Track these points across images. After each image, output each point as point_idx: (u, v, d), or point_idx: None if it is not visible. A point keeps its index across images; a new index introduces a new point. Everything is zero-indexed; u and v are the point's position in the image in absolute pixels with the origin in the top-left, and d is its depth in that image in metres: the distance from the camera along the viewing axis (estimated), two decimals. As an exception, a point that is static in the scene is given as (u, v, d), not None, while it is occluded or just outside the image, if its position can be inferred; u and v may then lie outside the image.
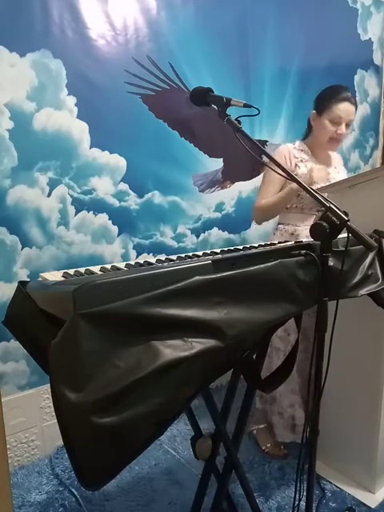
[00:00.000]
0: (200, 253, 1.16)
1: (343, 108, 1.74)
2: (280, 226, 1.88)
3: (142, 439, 0.73)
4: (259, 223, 1.94)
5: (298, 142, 1.88)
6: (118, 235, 2.00)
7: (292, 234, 1.82)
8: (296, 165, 1.80)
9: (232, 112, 1.15)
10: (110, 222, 1.96)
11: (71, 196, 1.84)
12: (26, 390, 1.85)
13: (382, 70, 3.09)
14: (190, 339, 0.76)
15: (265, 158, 1.15)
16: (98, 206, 1.92)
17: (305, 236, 1.73)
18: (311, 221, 1.79)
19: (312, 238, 0.98)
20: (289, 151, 1.81)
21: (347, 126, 1.78)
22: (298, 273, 0.96)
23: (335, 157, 1.99)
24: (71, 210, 1.85)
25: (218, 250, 1.16)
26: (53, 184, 1.79)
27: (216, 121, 1.20)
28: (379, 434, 1.59)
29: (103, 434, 0.68)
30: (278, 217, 1.91)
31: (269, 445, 1.87)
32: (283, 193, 1.73)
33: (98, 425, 0.67)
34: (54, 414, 0.72)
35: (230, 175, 2.34)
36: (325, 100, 1.78)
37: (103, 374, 0.68)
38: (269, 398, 1.85)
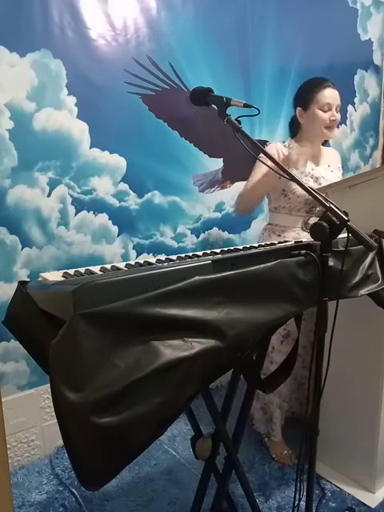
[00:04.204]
0: (200, 253, 1.15)
1: (328, 94, 1.74)
2: (269, 225, 1.88)
3: (142, 439, 0.73)
4: (239, 212, 1.93)
5: (289, 140, 1.86)
6: (118, 235, 2.00)
7: (279, 235, 1.81)
8: None
9: (232, 112, 1.15)
10: (110, 222, 1.96)
11: (71, 196, 1.84)
12: (26, 389, 1.85)
13: (381, 70, 3.09)
14: (189, 339, 0.76)
15: (265, 159, 1.14)
16: (98, 206, 1.92)
17: (292, 238, 1.68)
18: (299, 223, 1.77)
19: (312, 237, 0.98)
20: (277, 149, 1.75)
21: (337, 111, 1.78)
22: (298, 273, 0.96)
23: (332, 155, 1.96)
24: (71, 210, 1.85)
25: (218, 250, 1.16)
26: (53, 184, 1.79)
27: (216, 121, 1.20)
28: (379, 434, 1.59)
29: (103, 434, 0.68)
30: (269, 216, 1.90)
31: (278, 453, 1.84)
32: (260, 176, 1.72)
33: (98, 425, 0.67)
34: (53, 413, 0.72)
35: (230, 175, 2.34)
36: (306, 93, 1.78)
37: (103, 374, 0.68)
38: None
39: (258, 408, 1.89)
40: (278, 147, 1.76)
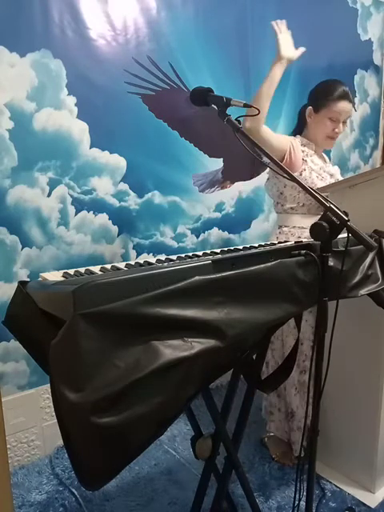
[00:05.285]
0: (200, 253, 1.16)
1: (342, 107, 1.72)
2: (284, 228, 1.78)
3: (142, 439, 0.73)
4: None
5: (299, 137, 1.81)
6: (118, 235, 2.00)
7: (299, 237, 1.72)
8: (303, 159, 1.74)
9: (232, 112, 1.15)
10: (110, 222, 1.96)
11: (71, 196, 1.84)
12: (26, 389, 1.85)
13: (381, 70, 3.09)
14: (189, 339, 0.76)
15: (264, 159, 1.14)
16: (98, 206, 1.92)
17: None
18: None
19: (312, 237, 0.98)
20: (295, 141, 1.74)
21: (344, 123, 1.77)
22: (298, 273, 0.96)
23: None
24: (71, 210, 1.85)
25: (218, 250, 1.16)
26: (53, 184, 1.79)
27: (216, 121, 1.20)
28: (379, 434, 1.59)
29: (103, 434, 0.68)
30: (280, 219, 1.83)
31: (279, 453, 1.84)
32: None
33: (98, 425, 0.67)
34: (53, 413, 0.72)
35: (230, 175, 2.34)
36: (322, 96, 1.74)
37: (103, 374, 0.68)
38: (287, 414, 1.79)
39: (294, 429, 1.76)
40: (295, 141, 1.74)
